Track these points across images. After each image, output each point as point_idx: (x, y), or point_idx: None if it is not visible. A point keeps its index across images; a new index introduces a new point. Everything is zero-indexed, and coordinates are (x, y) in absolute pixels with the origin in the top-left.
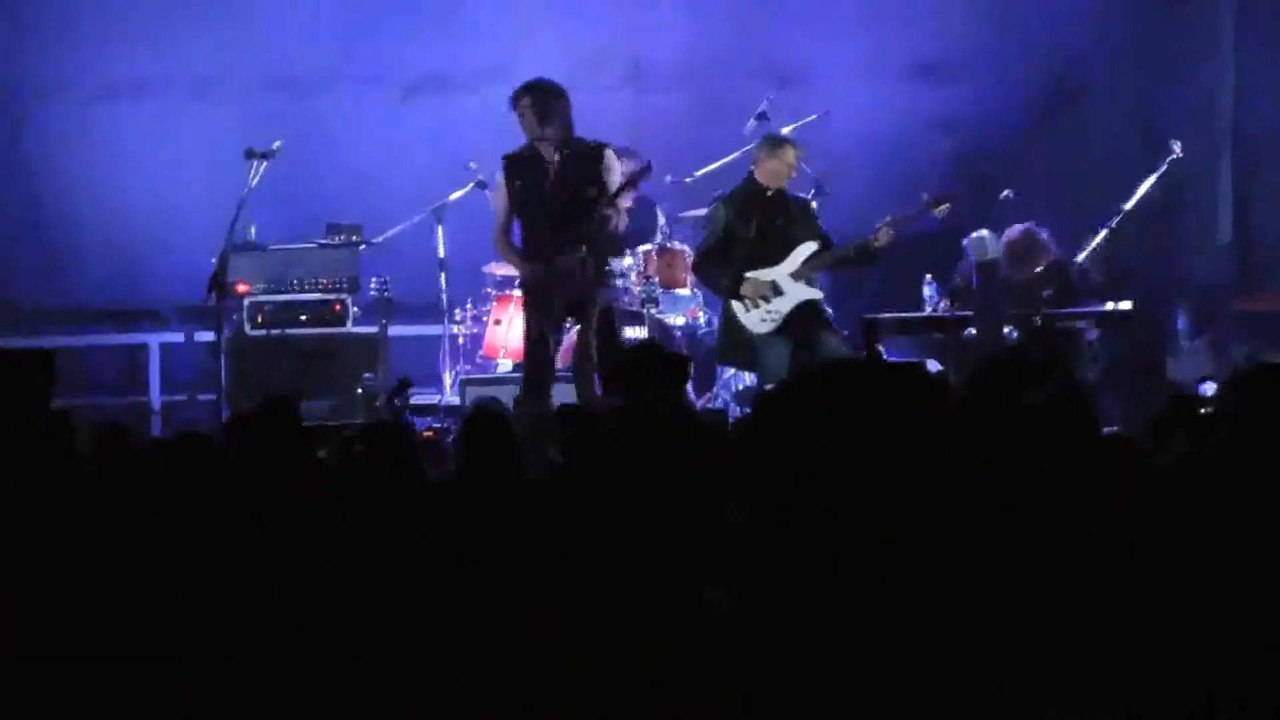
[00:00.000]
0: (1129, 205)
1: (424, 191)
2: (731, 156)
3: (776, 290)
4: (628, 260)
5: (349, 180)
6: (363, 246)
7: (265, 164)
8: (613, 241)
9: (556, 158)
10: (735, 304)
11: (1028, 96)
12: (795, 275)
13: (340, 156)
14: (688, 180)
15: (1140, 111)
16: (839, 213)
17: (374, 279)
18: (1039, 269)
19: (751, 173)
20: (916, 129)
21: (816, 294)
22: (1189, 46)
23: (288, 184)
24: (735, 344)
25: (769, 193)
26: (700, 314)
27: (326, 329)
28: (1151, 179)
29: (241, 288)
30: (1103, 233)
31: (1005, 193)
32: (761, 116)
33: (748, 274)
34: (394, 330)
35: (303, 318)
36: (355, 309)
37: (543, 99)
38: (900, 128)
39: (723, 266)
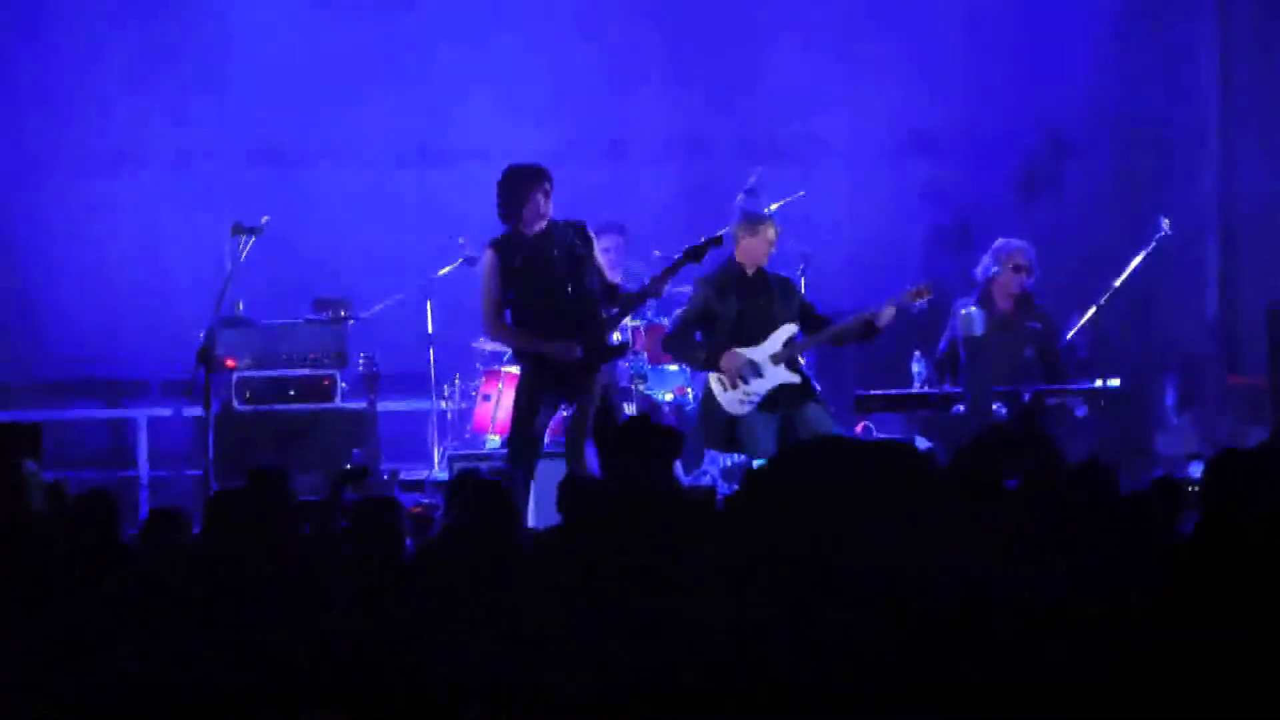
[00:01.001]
0: (1118, 282)
1: (412, 266)
2: (721, 232)
3: (755, 371)
4: (615, 336)
5: (336, 254)
6: (350, 321)
7: (252, 239)
8: (628, 304)
9: (549, 238)
10: (714, 385)
11: (1012, 169)
12: (775, 358)
13: (327, 230)
14: (675, 256)
15: (1126, 186)
16: (825, 286)
17: (361, 354)
18: (1033, 321)
19: (731, 255)
20: (901, 201)
21: (795, 379)
22: (1175, 122)
23: (275, 258)
24: (711, 426)
25: (749, 272)
26: (688, 390)
27: (314, 404)
28: (1140, 256)
29: (229, 363)
30: (1091, 310)
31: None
32: (750, 191)
33: (736, 353)
34: (382, 405)
35: (291, 393)
36: (343, 384)
37: (551, 181)
38: (885, 200)
39: (695, 341)
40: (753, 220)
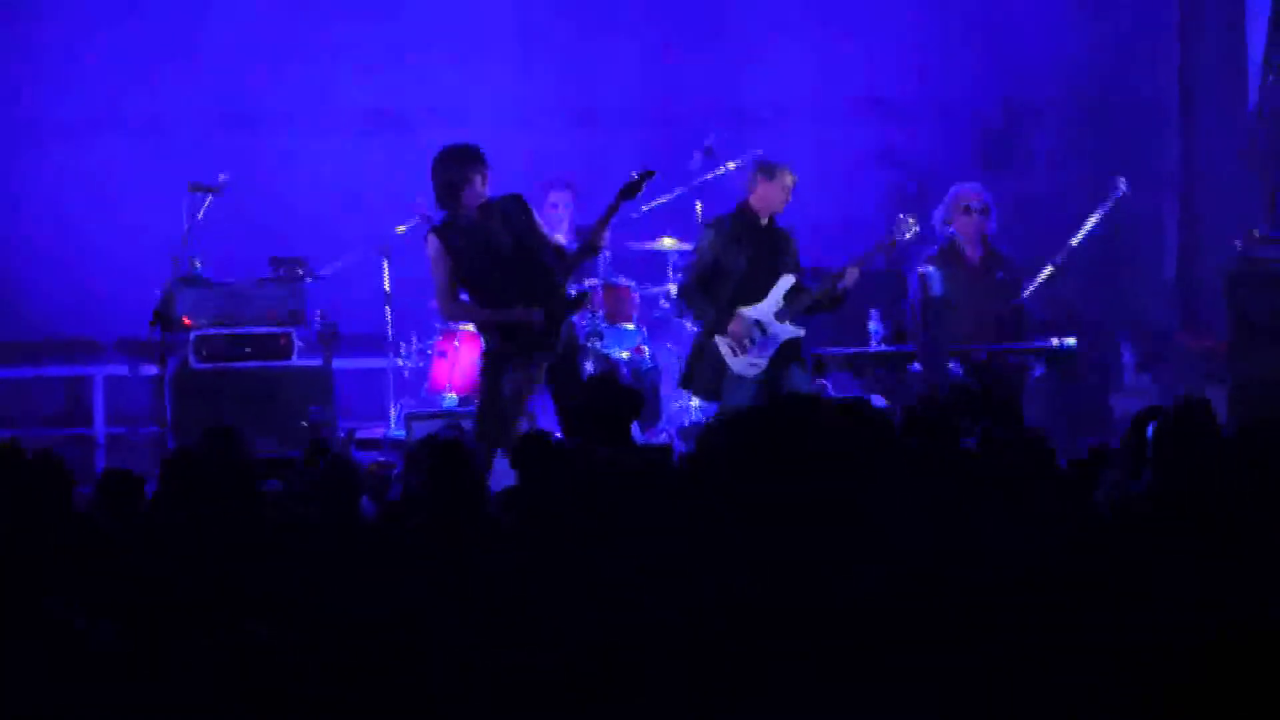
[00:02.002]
0: (1075, 241)
1: (369, 225)
2: (677, 192)
3: (762, 331)
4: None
5: (294, 214)
6: (307, 280)
7: (210, 198)
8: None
9: (488, 214)
10: (723, 347)
11: (972, 133)
12: (779, 316)
13: (286, 191)
14: (633, 216)
15: (1086, 151)
16: None
17: (319, 312)
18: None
19: (745, 201)
20: (861, 164)
21: (799, 332)
22: (1135, 86)
23: (233, 218)
24: (700, 372)
25: (762, 222)
26: (645, 349)
27: (271, 363)
28: (1097, 216)
29: (186, 321)
30: (1048, 269)
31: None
32: (708, 151)
33: (739, 310)
34: (339, 364)
35: (247, 351)
36: (300, 342)
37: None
38: (845, 163)
39: (710, 297)
40: (771, 166)
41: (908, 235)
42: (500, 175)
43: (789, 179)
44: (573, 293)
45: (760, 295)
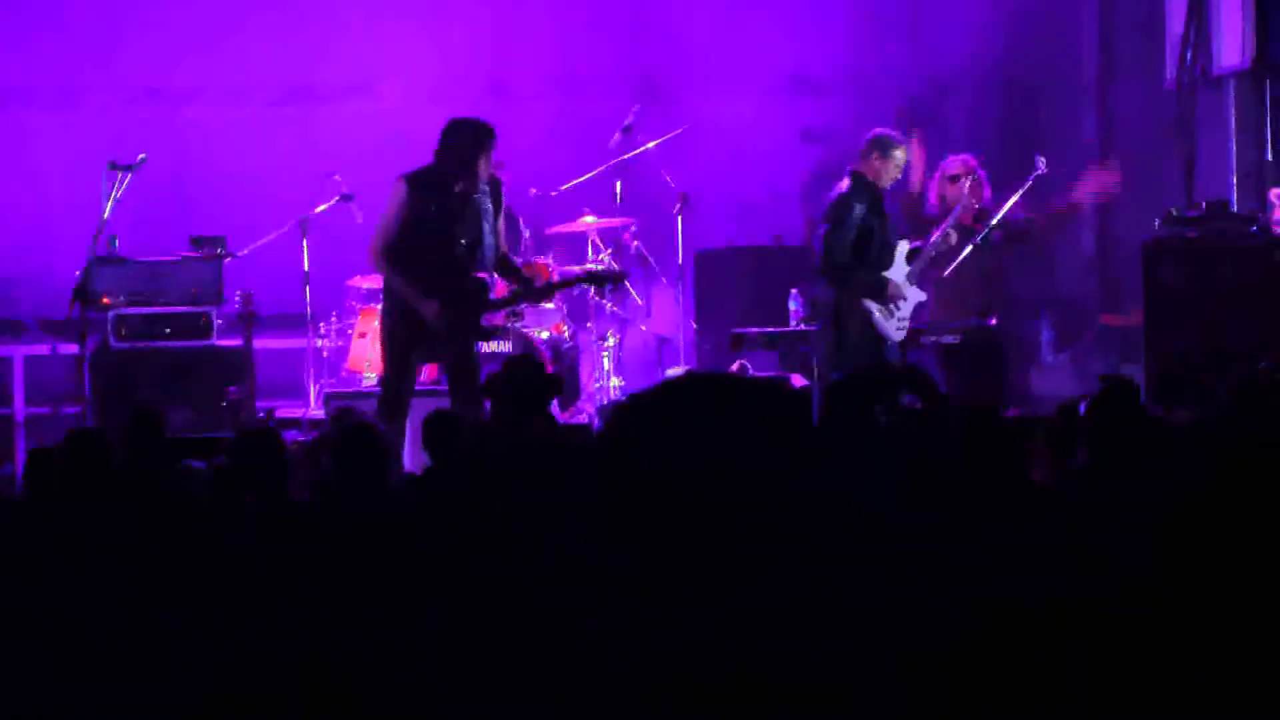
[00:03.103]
0: (995, 220)
1: (288, 204)
2: (598, 170)
3: (902, 295)
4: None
5: (212, 192)
6: (227, 259)
7: (129, 176)
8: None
9: (469, 198)
10: (877, 312)
11: (894, 109)
12: (910, 277)
13: (203, 168)
14: (553, 194)
15: (1006, 129)
16: (703, 226)
17: (238, 292)
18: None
19: (861, 173)
20: (784, 141)
21: (923, 295)
22: (1053, 65)
23: (151, 196)
24: (863, 345)
25: (881, 194)
26: (565, 328)
27: (191, 342)
28: (1017, 195)
29: (105, 300)
30: (968, 248)
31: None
32: (628, 129)
33: (892, 280)
34: (258, 343)
35: (167, 330)
36: (219, 321)
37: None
38: (767, 140)
39: (864, 265)
40: (888, 143)
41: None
42: (413, 149)
43: (900, 154)
44: (489, 323)
45: (891, 261)
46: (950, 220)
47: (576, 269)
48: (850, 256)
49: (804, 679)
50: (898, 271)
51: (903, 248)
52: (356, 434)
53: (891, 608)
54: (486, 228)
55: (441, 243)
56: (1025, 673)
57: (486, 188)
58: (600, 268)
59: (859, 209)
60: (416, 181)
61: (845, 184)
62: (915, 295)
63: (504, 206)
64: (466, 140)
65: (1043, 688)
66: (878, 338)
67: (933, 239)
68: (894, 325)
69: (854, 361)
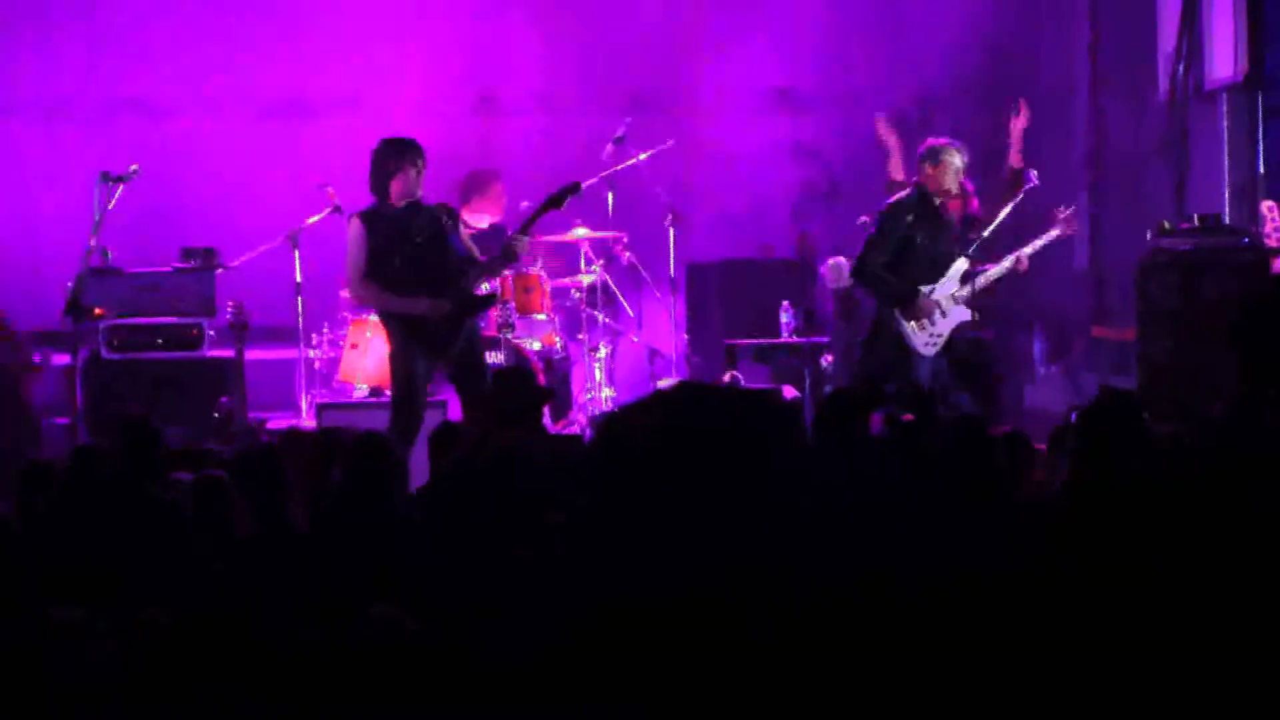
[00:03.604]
0: (986, 233)
1: (279, 215)
2: (589, 181)
3: (942, 311)
4: (484, 286)
5: (204, 204)
6: (218, 270)
7: (121, 187)
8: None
9: (414, 210)
10: (906, 322)
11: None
12: (955, 298)
13: (195, 181)
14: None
15: (996, 144)
16: (692, 241)
17: (229, 303)
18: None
19: (922, 184)
20: (772, 155)
21: (972, 317)
22: (1043, 79)
23: (143, 207)
24: (884, 354)
25: (936, 203)
26: (557, 340)
27: (182, 353)
28: (1008, 207)
29: (97, 311)
30: (960, 261)
31: (861, 219)
32: (619, 141)
33: (923, 292)
34: (249, 354)
35: (158, 341)
36: (211, 333)
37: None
38: (756, 154)
39: (896, 276)
40: (935, 150)
41: (1073, 227)
42: None
43: (956, 159)
44: (483, 290)
45: (938, 275)
46: (1020, 251)
47: (568, 280)
48: (883, 262)
49: None
50: (945, 287)
51: (959, 265)
52: (370, 449)
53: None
54: (447, 246)
55: (407, 263)
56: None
57: (440, 212)
58: (553, 192)
59: (907, 218)
60: (367, 215)
61: (905, 193)
62: (959, 314)
63: (498, 222)
64: (380, 160)
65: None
66: (905, 349)
67: (992, 266)
68: (924, 339)
69: (876, 368)
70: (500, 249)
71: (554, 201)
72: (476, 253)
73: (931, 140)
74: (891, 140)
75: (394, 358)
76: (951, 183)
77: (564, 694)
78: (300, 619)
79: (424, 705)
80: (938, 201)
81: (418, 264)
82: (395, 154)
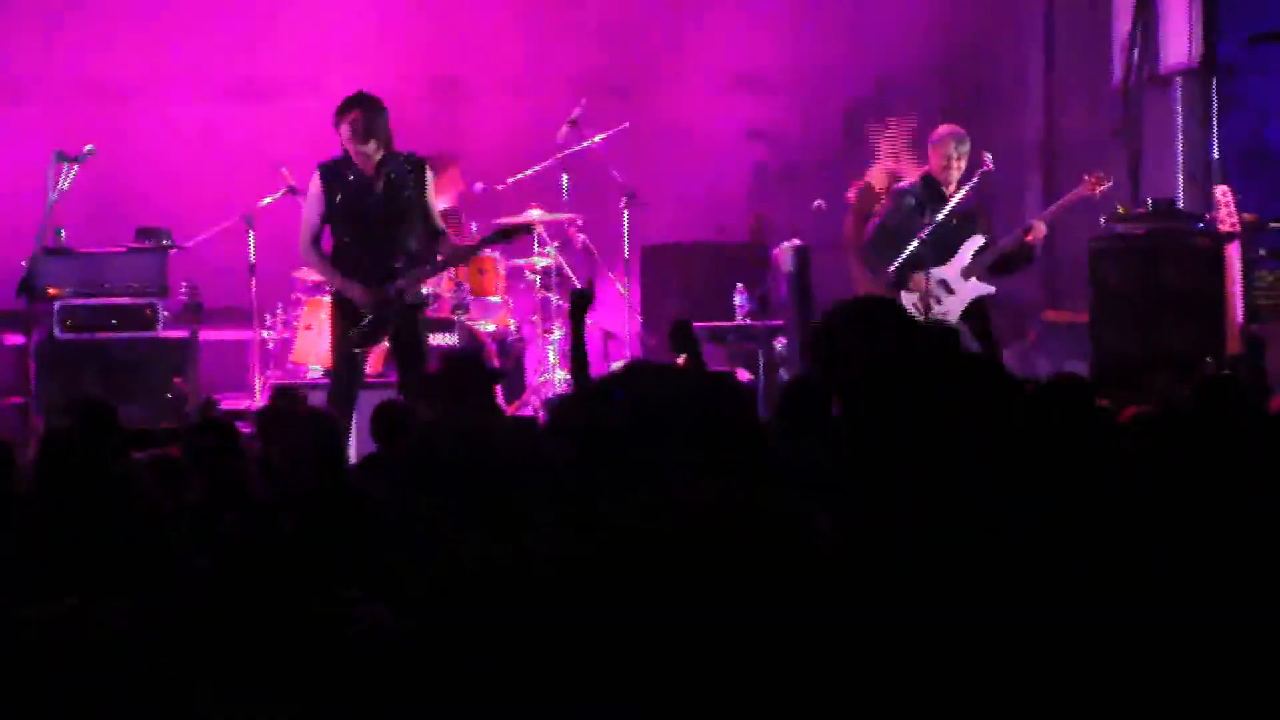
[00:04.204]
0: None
1: (234, 196)
2: (544, 164)
3: (947, 289)
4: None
5: (159, 185)
6: (173, 250)
7: (76, 167)
8: (438, 267)
9: (378, 173)
10: (906, 300)
11: (841, 108)
12: (966, 272)
13: (150, 161)
14: (499, 188)
15: (950, 122)
16: (650, 223)
17: (184, 283)
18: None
19: (928, 170)
20: (729, 139)
21: (989, 289)
22: (999, 63)
23: (97, 188)
24: None
25: (946, 188)
26: (511, 322)
27: (136, 333)
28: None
29: (51, 291)
30: (914, 244)
31: (817, 203)
32: (574, 122)
33: (916, 273)
34: (204, 335)
35: (113, 322)
36: (165, 313)
37: (368, 114)
38: (713, 137)
39: (891, 252)
40: (936, 137)
41: (1098, 190)
42: None
43: (950, 147)
44: (421, 293)
45: (949, 255)
46: (1032, 224)
47: (522, 262)
48: (880, 237)
49: None
50: (953, 267)
51: (973, 242)
52: (308, 420)
53: None
54: (407, 212)
55: (357, 241)
56: None
57: (407, 168)
58: (509, 223)
59: (911, 201)
60: (327, 170)
61: (911, 180)
62: (971, 289)
63: (453, 206)
64: (370, 107)
65: None
66: None
67: (1005, 240)
68: (930, 318)
69: None
70: (450, 256)
71: (503, 235)
72: (438, 220)
73: (940, 128)
74: (882, 144)
75: (333, 330)
76: (947, 166)
77: (552, 692)
78: (275, 610)
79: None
80: (943, 188)
81: (366, 235)
82: (337, 115)
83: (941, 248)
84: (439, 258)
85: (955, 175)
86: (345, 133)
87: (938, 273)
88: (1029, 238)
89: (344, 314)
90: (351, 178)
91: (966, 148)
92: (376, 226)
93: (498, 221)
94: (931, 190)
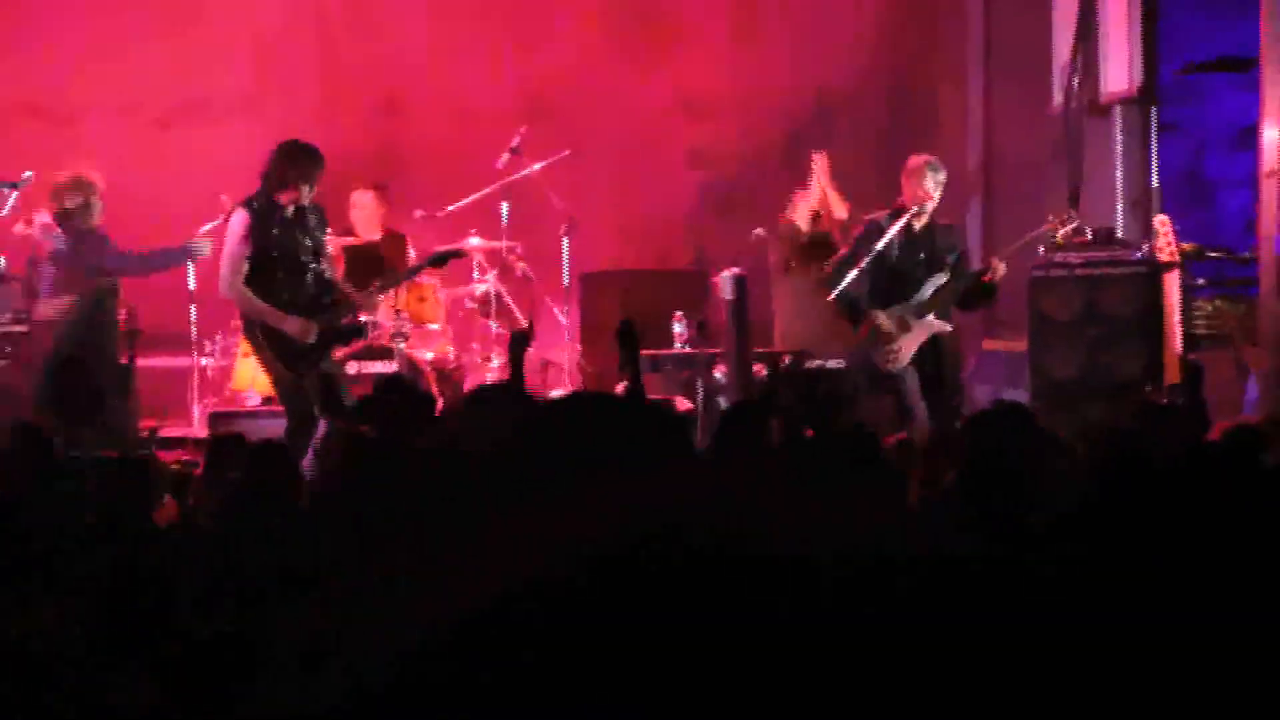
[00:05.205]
0: (880, 244)
1: (174, 222)
2: (485, 191)
3: (904, 327)
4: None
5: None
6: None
7: (15, 194)
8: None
9: (300, 212)
10: (869, 341)
11: (778, 133)
12: (922, 309)
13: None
14: (439, 215)
15: (892, 152)
16: (592, 249)
17: (122, 309)
18: None
19: (900, 201)
20: (669, 164)
21: (944, 326)
22: (938, 89)
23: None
24: (867, 373)
25: (916, 226)
26: (450, 350)
27: None
28: (904, 218)
29: None
30: (852, 273)
31: (757, 230)
32: (514, 150)
33: (877, 313)
34: (142, 361)
35: None
36: None
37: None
38: (653, 163)
39: (856, 284)
40: (910, 168)
41: (1062, 230)
42: None
43: (925, 178)
44: (358, 321)
45: (912, 291)
46: (992, 263)
47: (462, 290)
48: (842, 279)
49: None
50: (913, 302)
51: (935, 279)
52: (266, 451)
53: None
54: (323, 254)
55: (289, 270)
56: None
57: (315, 215)
58: (440, 252)
59: (883, 240)
60: (256, 209)
61: (881, 213)
62: (926, 327)
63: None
64: (282, 163)
65: None
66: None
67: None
68: (883, 353)
69: (857, 378)
70: (380, 282)
71: (436, 260)
72: (331, 262)
73: (912, 158)
74: (823, 178)
75: (269, 365)
76: (920, 197)
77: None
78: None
79: None
80: (913, 221)
81: (294, 276)
82: (300, 165)
83: (904, 283)
84: (374, 284)
85: (930, 206)
86: (304, 189)
87: (897, 310)
88: (987, 277)
89: (275, 345)
90: (279, 216)
91: (941, 177)
92: (304, 266)
93: (435, 249)
94: (898, 222)
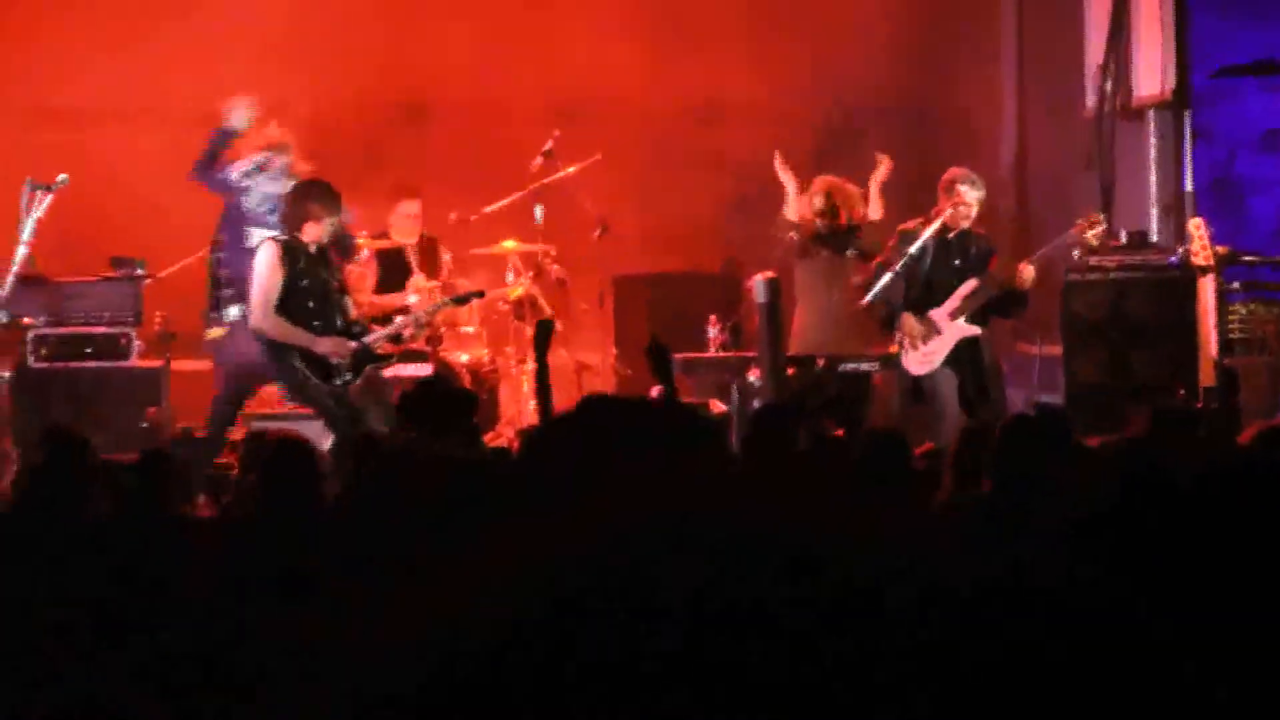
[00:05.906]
0: (913, 249)
1: (207, 227)
2: (517, 195)
3: (935, 330)
4: (412, 298)
5: (133, 214)
6: (146, 280)
7: (50, 196)
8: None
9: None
10: (899, 343)
11: (808, 138)
12: (955, 313)
13: (125, 191)
14: (473, 218)
15: (922, 164)
16: (622, 253)
17: (157, 313)
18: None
19: (939, 212)
20: (697, 170)
21: (973, 330)
22: (970, 93)
23: (72, 217)
24: (900, 376)
25: (950, 234)
26: (484, 353)
27: (109, 362)
28: (936, 224)
29: (25, 320)
30: (887, 276)
31: (790, 234)
32: (548, 154)
33: (907, 316)
34: (177, 365)
35: (86, 351)
36: (138, 343)
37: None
38: (681, 169)
39: (891, 289)
40: (949, 182)
41: (1090, 233)
42: (330, 171)
43: (965, 191)
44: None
45: (937, 299)
46: (1020, 268)
47: (496, 293)
48: (878, 284)
49: None
50: (945, 308)
51: (967, 286)
52: (288, 449)
53: None
54: (344, 289)
55: (320, 304)
56: None
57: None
58: (463, 294)
59: (916, 245)
60: (284, 242)
61: (918, 220)
62: (958, 331)
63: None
64: (304, 199)
65: None
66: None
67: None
68: (915, 357)
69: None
70: (402, 322)
71: (458, 301)
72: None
73: (950, 170)
74: (791, 178)
75: (314, 396)
76: (961, 213)
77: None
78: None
79: None
80: (948, 230)
81: (328, 310)
82: (323, 203)
83: (938, 291)
84: (395, 320)
85: (964, 217)
86: (326, 226)
87: (931, 314)
88: (1016, 282)
89: (315, 370)
90: (305, 254)
91: (980, 192)
92: (332, 296)
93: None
94: (941, 232)
